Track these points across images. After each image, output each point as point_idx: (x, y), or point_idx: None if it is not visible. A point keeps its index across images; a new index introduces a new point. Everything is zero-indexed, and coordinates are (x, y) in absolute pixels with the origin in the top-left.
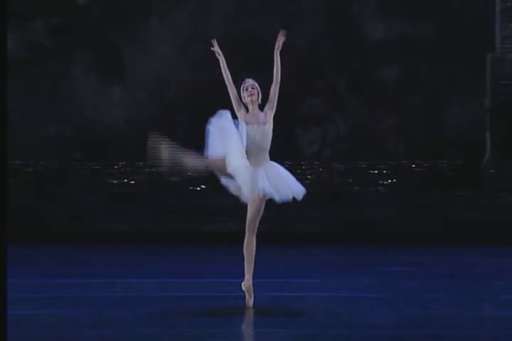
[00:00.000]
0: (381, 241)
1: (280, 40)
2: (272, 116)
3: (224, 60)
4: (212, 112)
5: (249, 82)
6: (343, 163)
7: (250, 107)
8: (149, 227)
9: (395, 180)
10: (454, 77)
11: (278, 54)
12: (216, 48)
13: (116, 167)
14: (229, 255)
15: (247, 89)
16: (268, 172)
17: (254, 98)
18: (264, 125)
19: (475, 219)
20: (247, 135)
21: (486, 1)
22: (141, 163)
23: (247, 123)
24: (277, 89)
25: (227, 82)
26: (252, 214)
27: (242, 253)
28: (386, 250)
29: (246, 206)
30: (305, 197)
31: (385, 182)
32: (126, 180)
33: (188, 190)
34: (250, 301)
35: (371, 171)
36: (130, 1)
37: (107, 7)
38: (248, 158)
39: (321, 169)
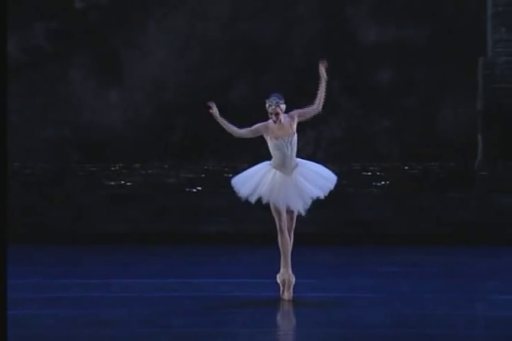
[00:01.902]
0: (375, 242)
1: (322, 69)
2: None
3: (221, 119)
4: (208, 116)
5: (274, 109)
6: (338, 164)
7: (276, 121)
8: (146, 228)
9: (388, 182)
10: (447, 80)
11: (323, 82)
12: (214, 111)
13: (113, 169)
14: (225, 255)
15: (271, 114)
16: (303, 176)
17: (280, 116)
18: (293, 135)
19: (468, 220)
20: (280, 148)
21: (478, 5)
22: (138, 164)
23: (277, 138)
24: (314, 112)
25: (236, 132)
26: (283, 217)
27: (259, 253)
28: (381, 251)
29: (241, 207)
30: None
31: (379, 184)
32: (123, 182)
33: (184, 192)
34: (285, 294)
35: (365, 173)
36: (127, 5)
37: (105, 11)
38: (281, 167)
39: None
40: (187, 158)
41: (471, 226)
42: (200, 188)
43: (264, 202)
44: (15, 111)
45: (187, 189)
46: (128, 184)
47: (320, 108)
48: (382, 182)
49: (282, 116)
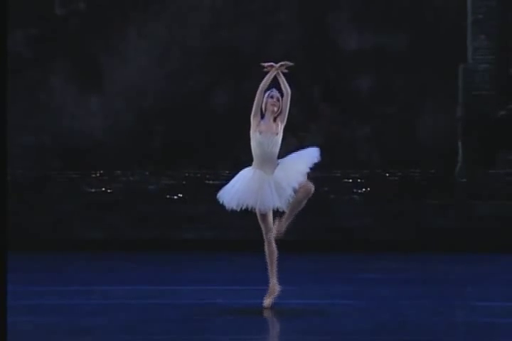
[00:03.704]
0: (356, 249)
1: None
2: (283, 127)
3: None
4: (189, 123)
5: (276, 93)
6: (318, 171)
7: (267, 116)
8: (126, 235)
9: (369, 189)
10: (427, 88)
11: (280, 72)
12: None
13: (94, 176)
14: (206, 262)
15: (271, 97)
16: (281, 169)
17: (276, 109)
18: (276, 135)
19: (447, 227)
20: (261, 144)
21: (458, 13)
22: (118, 171)
23: (260, 132)
24: (288, 101)
25: (261, 88)
26: (268, 224)
27: (239, 260)
28: (361, 257)
29: (222, 214)
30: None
31: (360, 191)
32: (103, 189)
33: (165, 199)
34: (266, 300)
35: (346, 180)
36: (108, 12)
37: (85, 18)
38: (261, 166)
39: None
40: (168, 164)
41: (451, 232)
42: (181, 195)
43: (244, 208)
44: None
45: (168, 196)
46: (109, 191)
47: (288, 91)
48: (363, 189)
49: (274, 115)
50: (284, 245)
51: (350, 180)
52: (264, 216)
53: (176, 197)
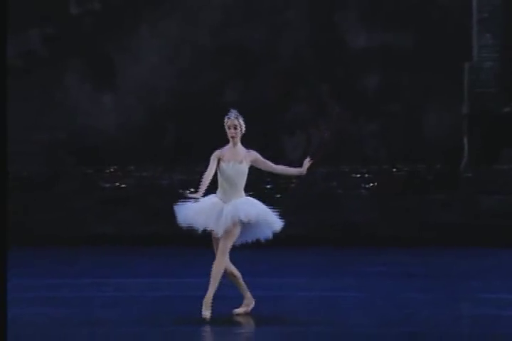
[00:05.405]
0: (362, 243)
1: (306, 165)
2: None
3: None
4: (199, 120)
5: (232, 120)
6: (327, 167)
7: (231, 143)
8: (139, 229)
9: (376, 184)
10: (433, 85)
11: (303, 170)
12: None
13: (107, 172)
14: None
15: (229, 128)
16: (239, 210)
17: (236, 139)
18: (240, 163)
19: (452, 221)
20: (222, 171)
21: (464, 11)
22: (132, 167)
23: (223, 161)
24: (269, 170)
25: (208, 175)
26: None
27: (248, 254)
28: (367, 251)
29: None
30: (290, 200)
31: (367, 186)
32: (117, 184)
33: (177, 193)
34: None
35: (354, 175)
36: (121, 12)
37: (99, 17)
38: (223, 195)
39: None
40: (180, 160)
41: (456, 227)
42: (193, 190)
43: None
44: (10, 116)
45: (180, 190)
46: (122, 186)
47: (276, 171)
48: (370, 184)
49: (239, 138)
50: (292, 239)
51: (358, 175)
52: (214, 238)
53: (188, 191)
